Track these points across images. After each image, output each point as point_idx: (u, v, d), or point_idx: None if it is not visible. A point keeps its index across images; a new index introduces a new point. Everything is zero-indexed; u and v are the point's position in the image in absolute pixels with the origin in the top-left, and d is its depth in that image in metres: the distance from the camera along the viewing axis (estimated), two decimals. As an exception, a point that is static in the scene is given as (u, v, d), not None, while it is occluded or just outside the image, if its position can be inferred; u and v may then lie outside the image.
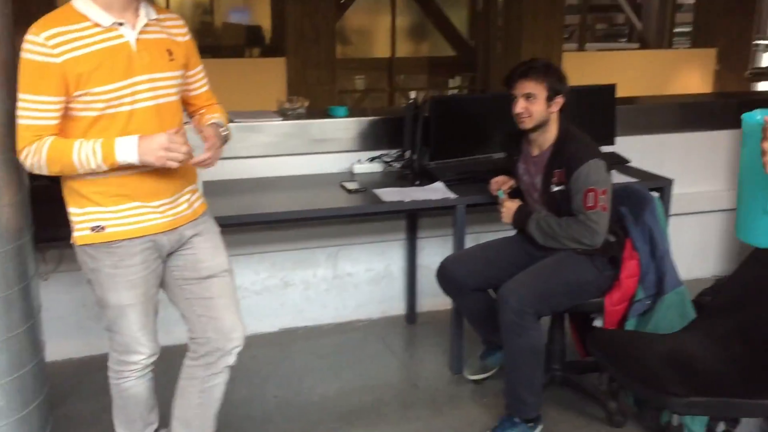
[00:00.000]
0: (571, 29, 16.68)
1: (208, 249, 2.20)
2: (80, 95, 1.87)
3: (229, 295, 2.23)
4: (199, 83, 2.21)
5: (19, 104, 1.86)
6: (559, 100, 2.63)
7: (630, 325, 2.62)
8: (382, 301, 3.62)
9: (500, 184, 2.91)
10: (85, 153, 1.87)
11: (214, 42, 13.81)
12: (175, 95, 2.06)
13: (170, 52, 2.03)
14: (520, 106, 2.62)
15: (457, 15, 15.35)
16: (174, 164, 1.91)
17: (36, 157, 1.87)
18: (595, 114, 3.53)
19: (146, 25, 1.96)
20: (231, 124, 3.18)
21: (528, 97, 2.61)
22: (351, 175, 3.30)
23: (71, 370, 3.13)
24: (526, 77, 2.61)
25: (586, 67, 13.63)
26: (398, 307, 3.66)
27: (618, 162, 3.49)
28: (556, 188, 2.64)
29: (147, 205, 2.02)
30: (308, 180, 3.24)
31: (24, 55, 1.83)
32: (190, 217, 2.16)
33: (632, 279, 2.65)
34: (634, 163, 3.47)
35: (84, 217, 2.00)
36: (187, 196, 2.15)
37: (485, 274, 2.77)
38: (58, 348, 3.11)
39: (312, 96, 13.41)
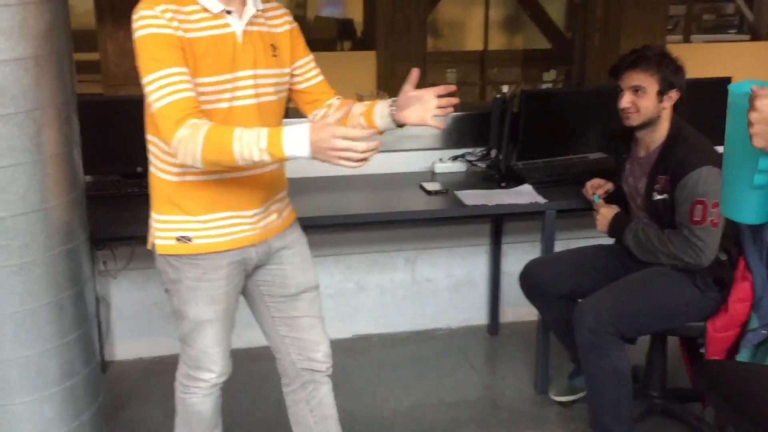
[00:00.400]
0: (675, 20, 15.88)
1: (298, 264, 2.02)
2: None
3: (315, 313, 2.06)
4: (312, 72, 1.97)
5: (151, 87, 1.64)
6: (673, 95, 2.33)
7: (743, 356, 2.29)
8: (462, 310, 3.40)
9: (596, 188, 2.62)
10: (248, 141, 1.61)
11: (307, 36, 13.91)
12: (275, 95, 1.86)
13: (274, 48, 1.85)
14: (626, 100, 2.34)
15: (554, 5, 14.84)
16: (351, 164, 1.59)
17: (191, 144, 1.62)
18: (707, 110, 3.15)
19: (253, 16, 1.80)
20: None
21: (636, 90, 2.32)
22: (432, 175, 3.08)
23: (140, 370, 3.05)
24: (635, 67, 2.31)
25: (692, 60, 12.98)
26: (480, 317, 3.42)
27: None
28: (658, 197, 2.34)
29: (240, 214, 1.84)
30: (386, 179, 3.05)
31: (140, 32, 1.65)
32: (280, 228, 1.97)
33: (743, 304, 2.29)
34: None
35: (169, 225, 1.84)
36: (278, 205, 1.96)
37: (573, 282, 2.50)
38: (128, 348, 3.06)
39: (400, 89, 13.34)
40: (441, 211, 2.71)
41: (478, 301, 3.40)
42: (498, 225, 3.26)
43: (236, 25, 1.76)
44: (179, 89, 1.65)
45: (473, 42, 14.49)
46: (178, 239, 1.83)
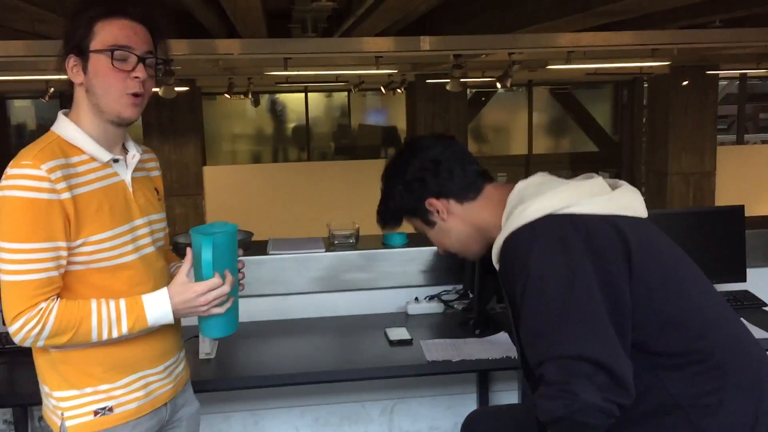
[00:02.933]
0: (731, 120, 15.51)
1: (190, 428, 1.85)
2: (78, 246, 1.54)
3: None
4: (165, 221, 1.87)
5: (10, 256, 1.48)
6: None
7: None
8: (450, 467, 2.99)
9: None
10: (107, 317, 1.54)
11: (351, 143, 14.11)
12: (163, 239, 1.78)
13: (157, 191, 1.78)
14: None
15: (600, 110, 14.76)
16: (221, 310, 1.61)
17: (39, 325, 1.49)
18: (720, 243, 2.81)
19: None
20: (270, 256, 2.85)
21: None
22: (405, 318, 2.77)
23: None
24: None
25: (744, 160, 12.56)
26: (471, 476, 2.99)
27: (752, 304, 2.73)
28: None
29: (153, 371, 1.69)
30: (353, 322, 2.76)
31: (16, 193, 1.47)
32: (185, 380, 1.83)
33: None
34: (772, 306, 2.70)
35: (81, 400, 1.60)
36: (183, 352, 1.84)
37: None
38: None
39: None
40: (386, 369, 2.35)
41: (468, 458, 2.99)
42: (484, 374, 2.89)
43: (124, 173, 1.66)
44: (38, 269, 1.50)
45: (518, 146, 14.47)
46: (96, 413, 1.60)
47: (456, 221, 1.64)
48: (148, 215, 1.69)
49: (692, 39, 6.78)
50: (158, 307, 1.57)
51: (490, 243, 1.59)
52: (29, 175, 1.48)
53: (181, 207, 10.59)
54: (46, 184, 1.48)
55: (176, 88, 7.53)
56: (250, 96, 11.15)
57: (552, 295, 1.40)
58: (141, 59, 1.57)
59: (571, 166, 14.59)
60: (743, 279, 2.78)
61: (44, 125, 12.75)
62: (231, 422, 2.85)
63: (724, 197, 11.93)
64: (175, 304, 1.58)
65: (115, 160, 1.63)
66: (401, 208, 1.69)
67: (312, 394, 2.88)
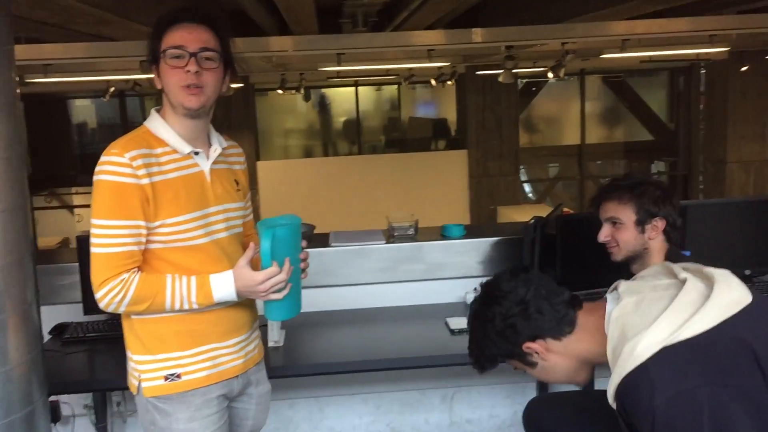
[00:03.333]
0: (793, 105, 15.07)
1: (261, 403, 2.00)
2: (156, 227, 1.73)
3: None
4: (248, 210, 2.04)
5: (100, 231, 1.69)
6: (659, 224, 2.06)
7: None
8: (510, 455, 3.03)
9: None
10: (179, 291, 1.74)
11: (401, 135, 14.16)
12: (242, 226, 1.95)
13: (237, 183, 1.94)
14: (604, 234, 2.12)
15: (655, 97, 14.46)
16: (278, 296, 1.76)
17: (121, 293, 1.70)
18: (762, 233, 2.79)
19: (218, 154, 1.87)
20: (332, 248, 2.93)
21: (614, 222, 2.10)
22: (465, 307, 2.81)
23: None
24: (609, 198, 2.10)
25: (804, 147, 12.17)
26: (531, 463, 3.03)
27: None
28: None
29: (223, 345, 1.84)
30: (414, 312, 2.82)
31: (105, 177, 1.69)
32: (257, 359, 1.98)
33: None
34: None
35: (155, 365, 1.79)
36: (256, 333, 1.99)
37: (578, 426, 2.15)
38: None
39: (494, 187, 13.13)
40: (452, 357, 2.41)
41: (528, 445, 3.03)
42: (543, 361, 2.92)
43: (204, 164, 1.82)
44: (121, 243, 1.70)
45: (571, 136, 14.27)
46: (166, 378, 1.78)
47: (558, 358, 1.58)
48: (224, 203, 1.84)
49: (751, 24, 6.61)
50: (223, 286, 1.74)
51: (596, 365, 1.57)
52: (115, 162, 1.68)
53: (236, 201, 10.81)
54: (128, 170, 1.68)
55: (232, 85, 7.70)
56: (302, 91, 11.31)
57: None
58: (192, 54, 1.73)
59: (625, 156, 14.36)
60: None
61: (104, 124, 13.13)
62: (296, 408, 2.95)
63: (786, 185, 11.62)
64: (237, 287, 1.74)
65: (196, 153, 1.80)
66: (497, 354, 1.64)
67: (374, 382, 2.95)
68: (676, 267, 1.52)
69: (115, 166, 1.68)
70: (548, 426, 2.24)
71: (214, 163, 1.84)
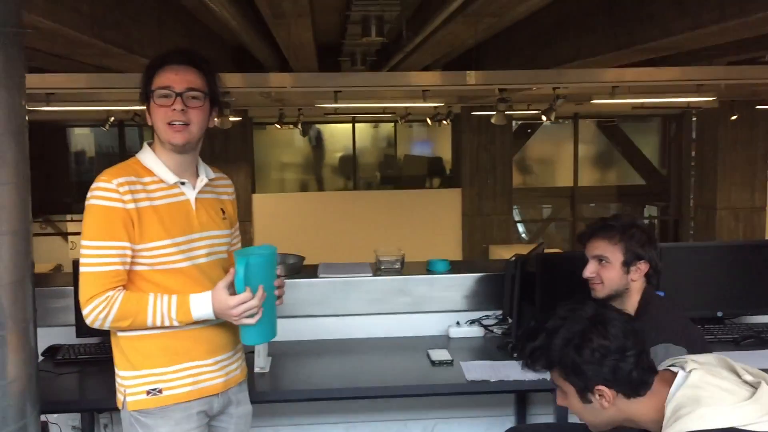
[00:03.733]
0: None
1: (240, 425, 2.07)
2: (140, 249, 1.86)
3: None
4: (236, 239, 2.15)
5: (88, 252, 1.82)
6: (642, 267, 2.14)
7: None
8: (489, 488, 3.08)
9: None
10: (160, 308, 1.85)
11: (397, 173, 14.33)
12: (225, 252, 2.04)
13: (223, 212, 2.05)
14: (589, 270, 2.18)
15: (647, 143, 14.69)
16: (251, 321, 1.85)
17: (105, 309, 1.81)
18: (756, 275, 2.89)
19: (204, 185, 1.99)
20: (321, 279, 3.02)
21: (600, 260, 2.16)
22: (447, 340, 2.90)
23: None
24: (599, 236, 2.17)
25: (797, 195, 12.34)
26: (510, 497, 3.08)
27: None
28: None
29: (204, 363, 1.94)
30: (397, 343, 2.91)
31: (94, 201, 1.83)
32: (239, 379, 2.06)
33: None
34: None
35: (138, 380, 1.90)
36: (238, 354, 2.07)
37: None
38: None
39: (486, 225, 13.21)
40: (429, 387, 2.50)
41: (507, 479, 3.09)
42: (522, 396, 3.00)
43: (190, 193, 1.95)
44: (108, 262, 1.83)
45: (564, 178, 14.44)
46: (148, 392, 1.88)
47: (614, 410, 1.56)
48: (208, 230, 1.96)
49: (738, 75, 6.80)
50: (202, 306, 1.86)
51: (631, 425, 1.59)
52: (103, 188, 1.83)
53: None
54: (115, 195, 1.82)
55: (231, 118, 7.83)
56: (299, 126, 11.49)
57: None
58: (178, 94, 1.87)
59: (618, 199, 14.53)
60: (779, 311, 2.86)
61: (103, 153, 13.25)
62: (280, 435, 3.01)
63: (775, 233, 11.77)
64: (214, 307, 1.86)
65: (182, 183, 1.93)
66: (565, 369, 1.58)
67: (357, 412, 3.02)
68: (738, 366, 1.53)
69: (103, 191, 1.82)
70: None
71: (200, 192, 1.96)
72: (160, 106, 1.88)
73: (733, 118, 10.94)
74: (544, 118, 7.19)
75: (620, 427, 1.62)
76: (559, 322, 1.58)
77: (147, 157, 1.93)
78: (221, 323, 1.92)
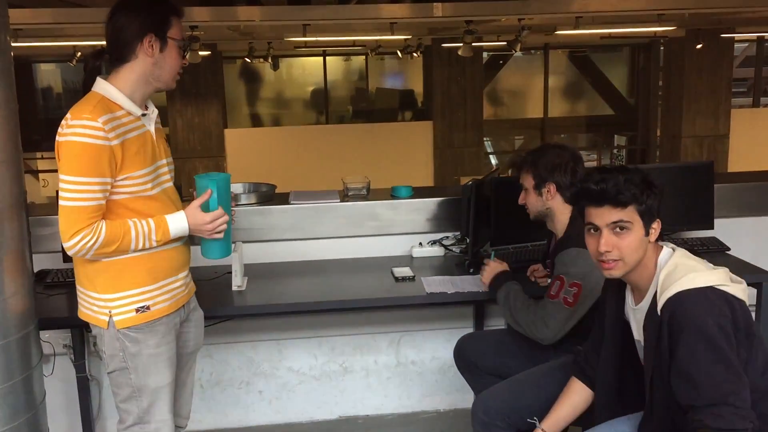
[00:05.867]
0: (750, 82, 15.52)
1: (197, 327, 2.31)
2: (121, 180, 1.98)
3: (192, 376, 2.37)
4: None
5: (72, 187, 1.90)
6: (551, 188, 2.42)
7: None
8: (450, 393, 3.37)
9: (534, 272, 2.78)
10: (142, 231, 2.00)
11: (369, 106, 14.37)
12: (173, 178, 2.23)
13: (166, 140, 2.23)
14: (520, 198, 2.53)
15: (616, 74, 14.84)
16: (220, 236, 2.11)
17: (93, 239, 1.92)
18: (691, 194, 3.14)
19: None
20: (292, 205, 3.21)
21: (524, 189, 2.50)
22: (410, 260, 3.13)
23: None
24: (519, 168, 2.51)
25: (759, 123, 12.64)
26: (468, 400, 3.36)
27: (717, 249, 3.06)
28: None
29: (176, 278, 2.14)
30: (364, 263, 3.12)
31: (79, 139, 1.89)
32: (193, 290, 2.29)
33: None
34: (735, 251, 3.02)
35: (126, 300, 2.03)
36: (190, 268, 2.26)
37: (498, 359, 2.56)
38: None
39: (458, 158, 13.34)
40: (399, 299, 2.74)
41: (466, 384, 3.37)
42: (480, 308, 3.26)
43: (149, 124, 2.09)
44: (96, 197, 1.94)
45: (534, 109, 14.57)
46: (137, 310, 2.05)
47: (649, 248, 1.84)
48: (165, 158, 2.14)
49: (702, 4, 6.94)
50: (178, 224, 2.05)
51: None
52: (89, 126, 1.89)
53: (204, 168, 10.96)
54: (101, 133, 1.90)
55: (200, 53, 7.83)
56: (269, 60, 11.44)
57: (715, 349, 1.67)
58: (185, 48, 2.10)
59: (587, 129, 14.75)
60: (711, 227, 3.12)
61: (69, 89, 13.06)
62: (258, 350, 3.25)
63: (737, 160, 12.10)
64: (190, 224, 2.06)
65: (143, 115, 2.06)
66: (643, 201, 1.80)
67: (328, 326, 3.27)
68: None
69: (90, 129, 1.89)
70: (472, 356, 2.60)
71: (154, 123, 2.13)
72: (178, 56, 2.06)
73: (699, 46, 11.10)
74: (514, 49, 7.30)
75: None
76: (625, 168, 1.85)
77: (111, 91, 1.99)
78: (182, 244, 2.13)
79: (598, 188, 1.80)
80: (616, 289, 1.98)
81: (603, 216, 1.81)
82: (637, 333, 1.91)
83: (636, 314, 1.91)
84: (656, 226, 1.84)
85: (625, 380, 1.99)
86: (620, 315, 1.98)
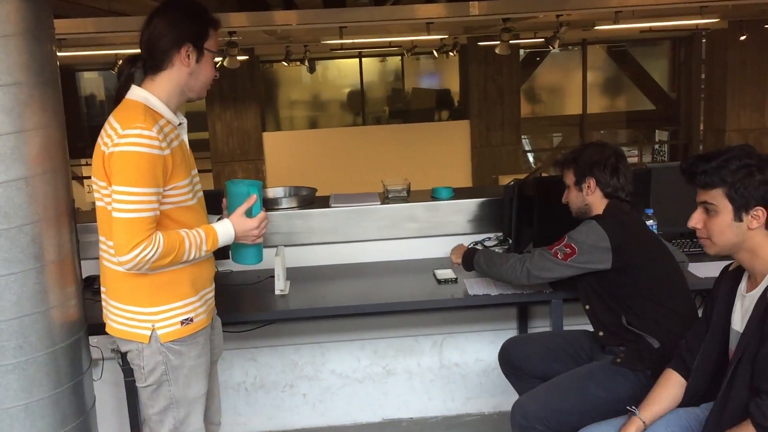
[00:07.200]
0: (796, 74, 15.14)
1: (219, 335, 2.33)
2: (169, 189, 1.98)
3: (217, 383, 2.38)
4: None
5: (131, 198, 1.87)
6: (591, 184, 2.44)
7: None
8: (494, 395, 3.34)
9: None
10: (195, 241, 1.99)
11: (405, 107, 14.36)
12: None
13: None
14: (564, 197, 2.56)
15: (657, 67, 14.58)
16: (261, 240, 2.15)
17: (152, 251, 1.89)
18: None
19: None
20: (332, 209, 3.22)
21: (566, 186, 2.54)
22: (452, 262, 3.10)
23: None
24: (562, 166, 2.54)
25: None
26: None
27: None
28: None
29: (210, 289, 2.17)
30: (405, 266, 3.12)
31: (136, 149, 1.86)
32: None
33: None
34: None
35: (172, 313, 2.03)
36: None
37: (545, 363, 2.53)
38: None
39: (495, 156, 13.23)
40: (439, 302, 2.73)
41: (510, 387, 3.33)
42: (524, 309, 3.23)
43: (183, 134, 2.10)
44: (150, 208, 1.91)
45: (573, 106, 14.41)
46: (182, 322, 2.04)
47: (750, 235, 1.79)
48: (196, 168, 2.15)
49: (742, -5, 6.77)
50: (226, 232, 2.06)
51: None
52: (145, 135, 1.88)
53: (243, 171, 11.09)
54: (155, 143, 1.89)
55: (238, 57, 7.89)
56: (306, 63, 11.50)
57: None
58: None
59: (627, 125, 14.52)
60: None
61: (112, 96, 13.26)
62: (301, 353, 3.26)
63: (784, 153, 11.77)
64: (236, 231, 2.07)
65: (180, 124, 2.06)
66: (733, 184, 1.78)
67: (371, 329, 3.27)
68: None
69: (146, 138, 1.87)
70: (518, 360, 2.57)
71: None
72: (212, 67, 2.07)
73: (742, 38, 10.85)
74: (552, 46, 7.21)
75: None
76: (732, 153, 1.80)
77: (152, 100, 1.97)
78: (211, 255, 2.13)
79: (687, 167, 1.85)
80: (733, 274, 1.95)
81: (698, 194, 1.86)
82: (737, 321, 1.88)
83: (744, 301, 1.87)
84: (759, 214, 1.78)
85: (720, 370, 1.93)
86: (731, 303, 1.93)
